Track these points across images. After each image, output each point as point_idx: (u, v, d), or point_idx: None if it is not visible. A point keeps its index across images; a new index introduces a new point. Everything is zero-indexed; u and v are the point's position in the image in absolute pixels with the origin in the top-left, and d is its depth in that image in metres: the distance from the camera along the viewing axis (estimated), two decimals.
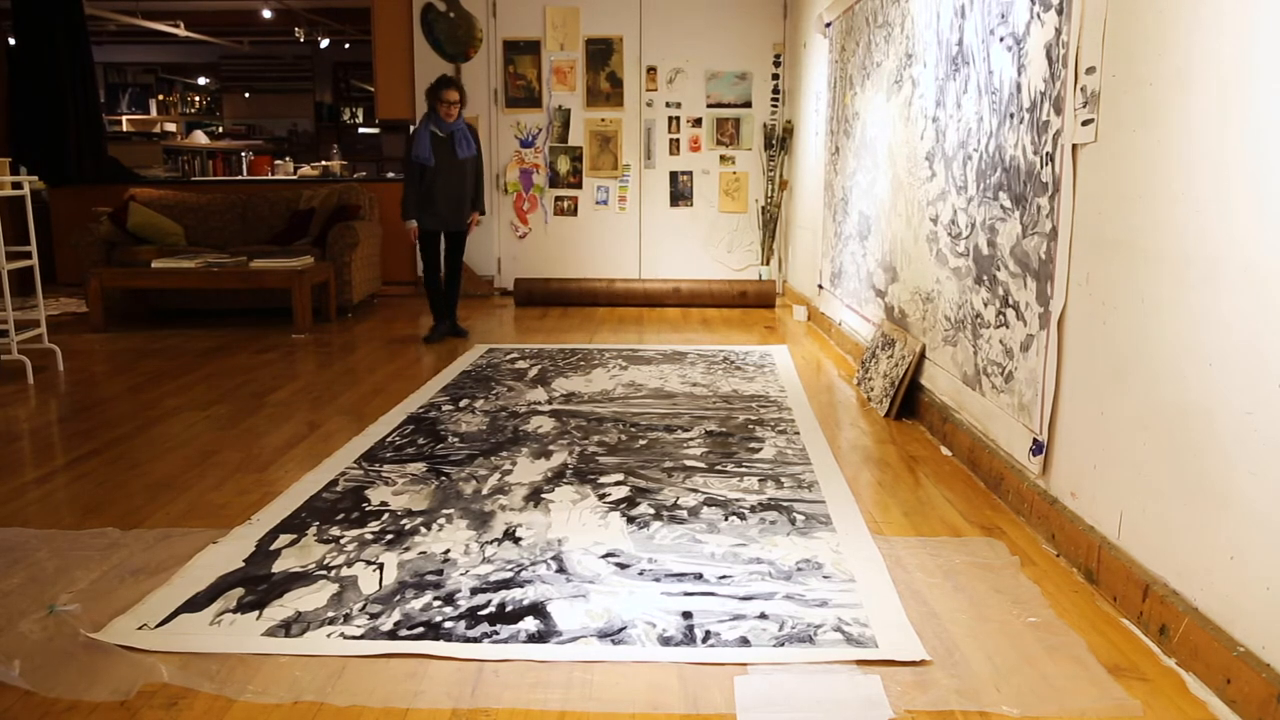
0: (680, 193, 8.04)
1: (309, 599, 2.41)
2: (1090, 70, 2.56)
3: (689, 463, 3.51)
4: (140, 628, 2.25)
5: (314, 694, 1.97)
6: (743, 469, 3.45)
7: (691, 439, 3.83)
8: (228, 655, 2.14)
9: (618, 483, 3.29)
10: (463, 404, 4.39)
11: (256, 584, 2.51)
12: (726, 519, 2.96)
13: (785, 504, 3.09)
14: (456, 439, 3.83)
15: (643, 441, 3.78)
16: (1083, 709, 1.93)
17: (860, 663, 2.11)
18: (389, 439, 3.82)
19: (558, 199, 8.07)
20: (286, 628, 2.26)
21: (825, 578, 2.54)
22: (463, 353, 5.61)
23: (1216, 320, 2.00)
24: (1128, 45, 2.38)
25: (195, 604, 2.38)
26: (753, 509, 3.04)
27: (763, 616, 2.32)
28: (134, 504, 3.05)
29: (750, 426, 4.00)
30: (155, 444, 3.72)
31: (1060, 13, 2.74)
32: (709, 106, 7.93)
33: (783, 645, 2.18)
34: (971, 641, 2.20)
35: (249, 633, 2.24)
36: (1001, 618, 2.32)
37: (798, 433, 3.92)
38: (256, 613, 2.34)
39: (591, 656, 2.14)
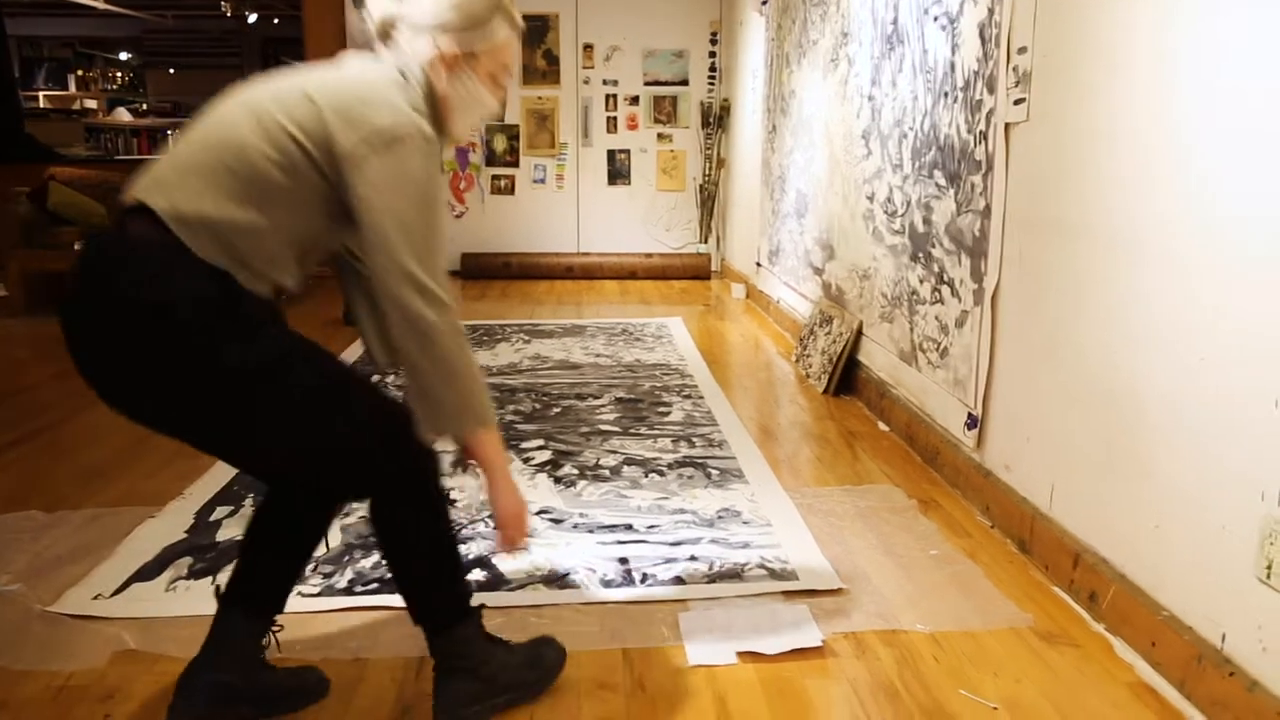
0: (618, 171, 8.01)
1: None
2: (1022, 50, 2.60)
3: (603, 427, 3.66)
4: (95, 598, 2.26)
5: (283, 648, 1.98)
6: (655, 431, 3.62)
7: (603, 405, 3.97)
8: (190, 618, 2.16)
9: (539, 447, 3.41)
10: (373, 379, 4.35)
11: (204, 552, 2.53)
12: (647, 476, 3.12)
13: (699, 460, 3.27)
14: None
15: (556, 410, 3.88)
16: (983, 624, 2.19)
17: (786, 594, 2.32)
18: None
19: (494, 178, 7.99)
20: None
21: (745, 523, 2.75)
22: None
23: (1140, 299, 2.06)
24: (1058, 26, 2.42)
25: (146, 574, 2.40)
26: (670, 466, 3.22)
27: (693, 559, 2.52)
28: (61, 493, 2.96)
29: (657, 392, 4.03)
30: (84, 432, 3.62)
31: None
32: (646, 84, 7.90)
33: (715, 581, 2.38)
34: (881, 573, 2.45)
35: (206, 597, 2.26)
36: (906, 552, 2.58)
37: (703, 397, 3.99)
38: (210, 578, 2.38)
39: (541, 601, 2.28)
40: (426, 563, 1.71)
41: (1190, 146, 1.90)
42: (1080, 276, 2.31)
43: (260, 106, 1.54)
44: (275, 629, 1.82)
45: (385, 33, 1.70)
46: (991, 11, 2.78)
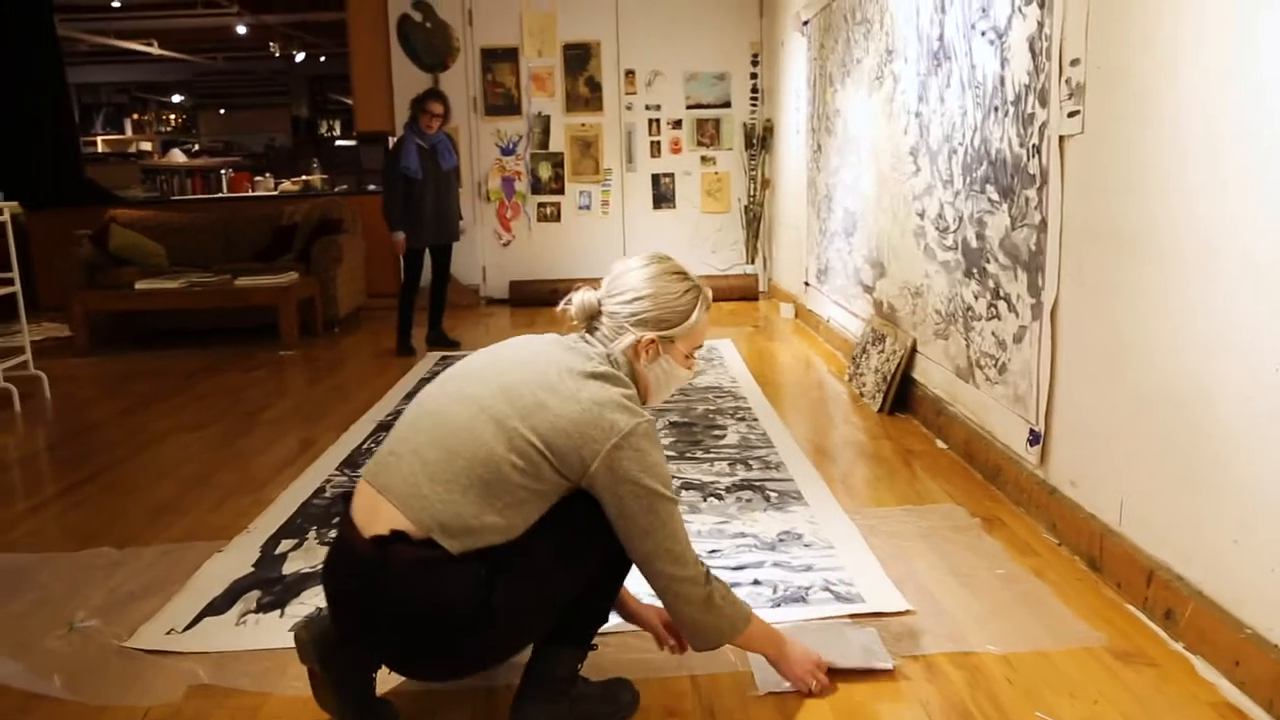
0: (663, 195, 8.04)
1: None
2: (1075, 62, 2.57)
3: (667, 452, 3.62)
4: (169, 633, 2.30)
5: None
6: (711, 454, 3.54)
7: (657, 429, 3.94)
8: (260, 652, 2.20)
9: None
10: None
11: (271, 585, 2.56)
12: (705, 499, 3.12)
13: (757, 483, 3.26)
14: None
15: None
16: (1055, 643, 2.15)
17: (852, 617, 2.30)
18: (364, 446, 3.85)
19: (540, 205, 8.06)
20: None
21: (806, 546, 2.73)
22: (419, 361, 5.65)
23: (1212, 306, 2.02)
24: (1112, 37, 2.40)
25: (216, 608, 2.44)
26: (728, 489, 3.20)
27: (756, 583, 2.50)
28: (133, 530, 3.02)
29: (710, 415, 4.02)
30: (149, 468, 3.70)
31: (1042, 6, 2.75)
32: (688, 108, 7.93)
33: (779, 605, 2.36)
34: (948, 593, 2.41)
35: (276, 630, 2.31)
36: (972, 571, 2.53)
37: (756, 419, 3.96)
38: (279, 611, 2.41)
39: (607, 628, 2.17)
40: (595, 599, 1.84)
41: (1262, 151, 1.86)
42: (1145, 286, 2.27)
43: (498, 412, 1.69)
44: None
45: (588, 320, 1.87)
46: (1041, 25, 2.76)
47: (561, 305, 1.89)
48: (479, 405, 1.70)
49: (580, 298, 1.86)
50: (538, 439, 1.66)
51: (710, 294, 1.92)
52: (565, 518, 1.72)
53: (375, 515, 1.69)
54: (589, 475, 1.68)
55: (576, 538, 1.73)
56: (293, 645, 2.17)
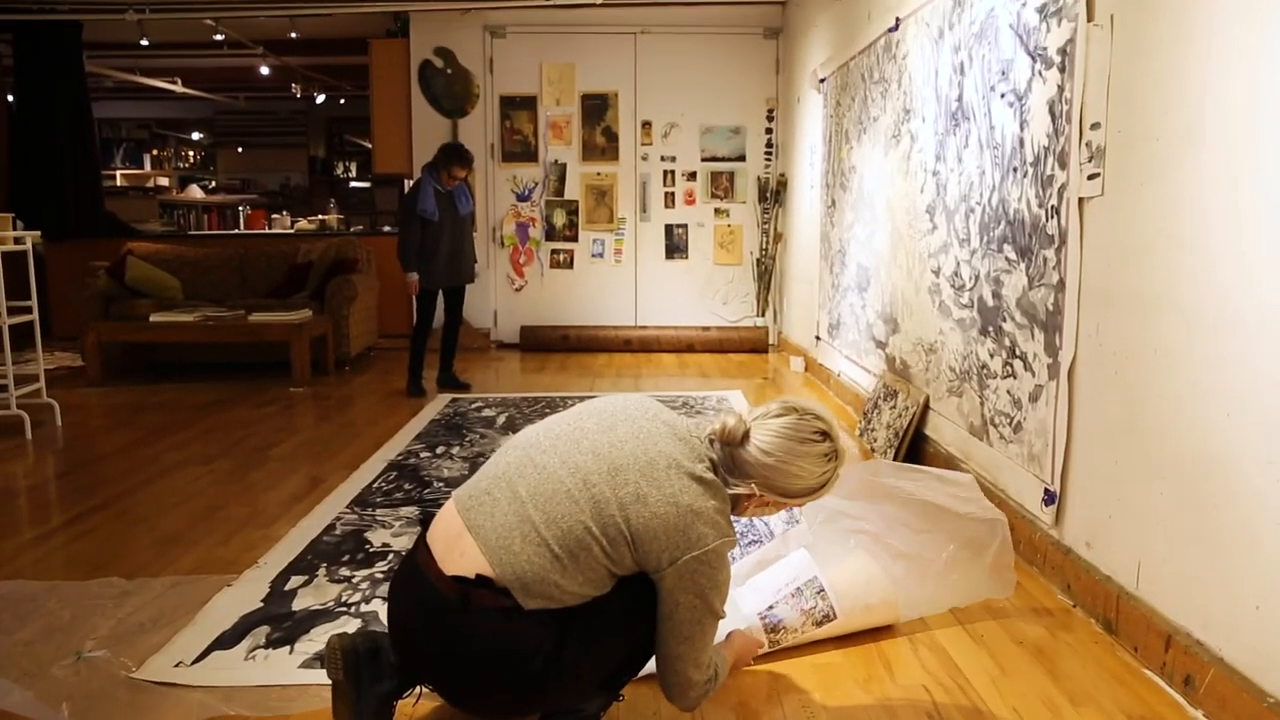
0: (675, 245, 8.10)
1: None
2: (1095, 126, 2.61)
3: None
4: (177, 665, 2.28)
5: None
6: None
7: None
8: (269, 688, 2.19)
9: None
10: (439, 450, 4.42)
11: (280, 621, 2.55)
12: None
13: (772, 534, 3.18)
14: (442, 484, 3.87)
15: None
16: (1071, 705, 2.14)
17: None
18: (375, 485, 3.85)
19: (554, 252, 8.12)
20: (321, 660, 2.27)
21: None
22: (429, 402, 5.65)
23: (1234, 369, 2.02)
24: (1133, 101, 2.43)
25: (225, 642, 2.42)
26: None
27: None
28: (141, 559, 3.02)
29: None
30: (159, 499, 3.69)
31: (1063, 70, 2.80)
32: (703, 160, 8.02)
33: None
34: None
35: (285, 666, 2.29)
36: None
37: None
38: (288, 648, 2.39)
39: None
40: (639, 655, 1.86)
41: None
42: (1165, 347, 2.28)
43: (600, 494, 1.74)
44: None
45: (725, 444, 1.85)
46: (1061, 89, 2.80)
47: (712, 419, 1.90)
48: (584, 480, 1.74)
49: (730, 425, 1.84)
50: (628, 530, 1.71)
51: (842, 472, 1.90)
52: (633, 586, 1.78)
53: (460, 552, 1.73)
54: (660, 572, 1.74)
55: (640, 605, 1.79)
56: (302, 683, 2.18)
